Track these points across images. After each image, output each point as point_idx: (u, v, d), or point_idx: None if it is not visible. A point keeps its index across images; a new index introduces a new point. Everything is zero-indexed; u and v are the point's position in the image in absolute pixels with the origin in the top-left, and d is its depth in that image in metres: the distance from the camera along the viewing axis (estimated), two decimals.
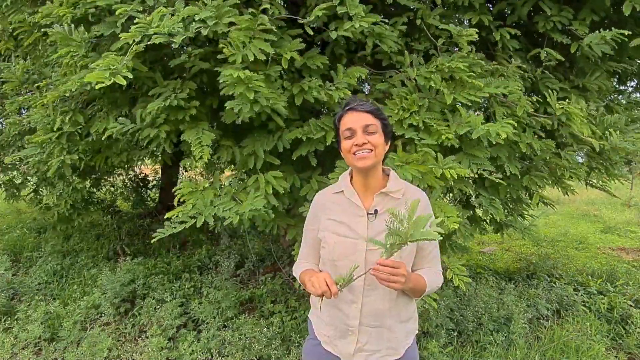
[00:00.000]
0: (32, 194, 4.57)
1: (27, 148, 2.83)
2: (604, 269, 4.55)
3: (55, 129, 2.57)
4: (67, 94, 2.33)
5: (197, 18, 1.79)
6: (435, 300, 2.26)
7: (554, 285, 3.84)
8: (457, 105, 2.17)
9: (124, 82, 1.78)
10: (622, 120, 2.48)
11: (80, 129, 2.66)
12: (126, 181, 6.94)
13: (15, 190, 4.75)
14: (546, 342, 2.95)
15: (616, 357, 2.89)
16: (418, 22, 2.42)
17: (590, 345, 2.89)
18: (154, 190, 7.32)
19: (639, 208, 9.07)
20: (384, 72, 2.51)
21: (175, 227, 2.12)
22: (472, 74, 2.20)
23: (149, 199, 7.19)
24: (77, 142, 2.70)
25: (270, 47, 1.97)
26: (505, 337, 2.92)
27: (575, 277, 4.18)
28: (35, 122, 2.67)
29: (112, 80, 1.75)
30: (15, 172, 5.04)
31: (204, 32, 1.80)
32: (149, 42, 1.82)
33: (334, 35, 2.12)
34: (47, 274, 3.96)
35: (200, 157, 2.11)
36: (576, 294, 3.59)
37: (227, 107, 2.04)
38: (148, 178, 7.19)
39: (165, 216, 2.19)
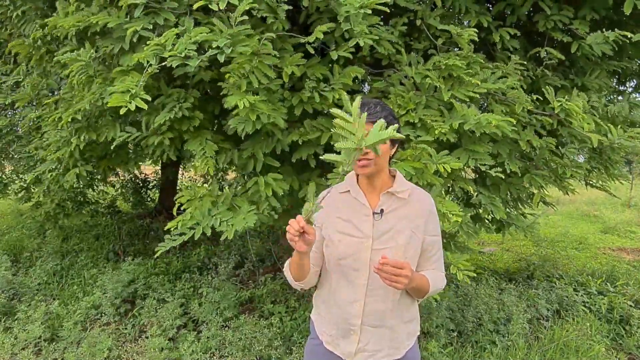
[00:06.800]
0: (24, 192, 4.56)
1: (45, 162, 2.98)
2: (604, 269, 4.55)
3: (71, 147, 2.63)
4: (80, 112, 2.38)
5: (214, 45, 1.83)
6: (436, 300, 2.25)
7: (554, 285, 3.84)
8: (453, 101, 2.16)
9: (145, 106, 1.80)
10: (626, 108, 2.46)
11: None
12: (126, 181, 6.94)
13: (3, 187, 4.77)
14: (546, 342, 2.94)
15: (616, 357, 2.89)
16: (418, 22, 2.42)
17: (590, 346, 2.88)
18: (153, 190, 7.32)
19: (639, 208, 9.08)
20: (383, 72, 2.52)
21: (175, 240, 2.14)
22: (470, 71, 2.20)
23: (149, 199, 7.19)
24: (87, 151, 2.77)
25: (272, 70, 2.01)
26: (506, 337, 2.92)
27: (575, 278, 4.18)
28: (51, 140, 2.80)
29: (132, 104, 1.78)
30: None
31: (220, 58, 1.84)
32: (163, 64, 1.85)
33: (334, 55, 2.14)
34: (47, 274, 3.95)
35: (205, 169, 2.17)
36: (576, 295, 3.59)
37: (229, 124, 2.08)
38: (148, 179, 7.19)
39: (166, 227, 2.19)
